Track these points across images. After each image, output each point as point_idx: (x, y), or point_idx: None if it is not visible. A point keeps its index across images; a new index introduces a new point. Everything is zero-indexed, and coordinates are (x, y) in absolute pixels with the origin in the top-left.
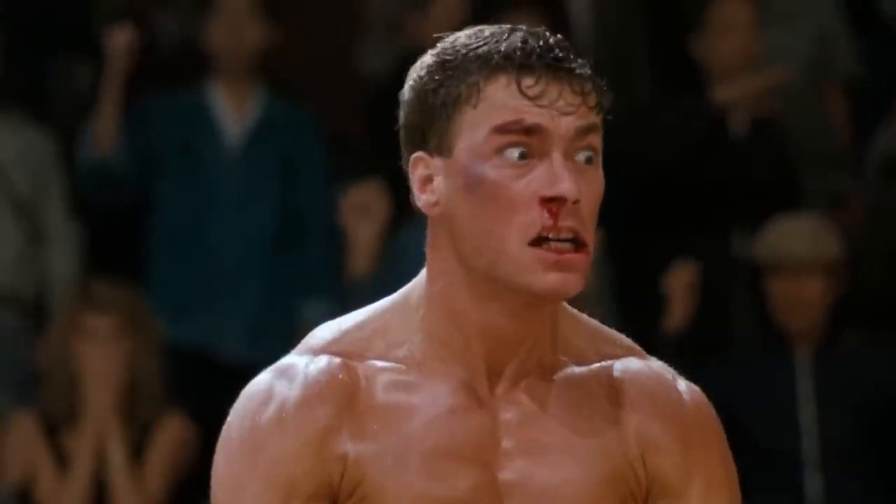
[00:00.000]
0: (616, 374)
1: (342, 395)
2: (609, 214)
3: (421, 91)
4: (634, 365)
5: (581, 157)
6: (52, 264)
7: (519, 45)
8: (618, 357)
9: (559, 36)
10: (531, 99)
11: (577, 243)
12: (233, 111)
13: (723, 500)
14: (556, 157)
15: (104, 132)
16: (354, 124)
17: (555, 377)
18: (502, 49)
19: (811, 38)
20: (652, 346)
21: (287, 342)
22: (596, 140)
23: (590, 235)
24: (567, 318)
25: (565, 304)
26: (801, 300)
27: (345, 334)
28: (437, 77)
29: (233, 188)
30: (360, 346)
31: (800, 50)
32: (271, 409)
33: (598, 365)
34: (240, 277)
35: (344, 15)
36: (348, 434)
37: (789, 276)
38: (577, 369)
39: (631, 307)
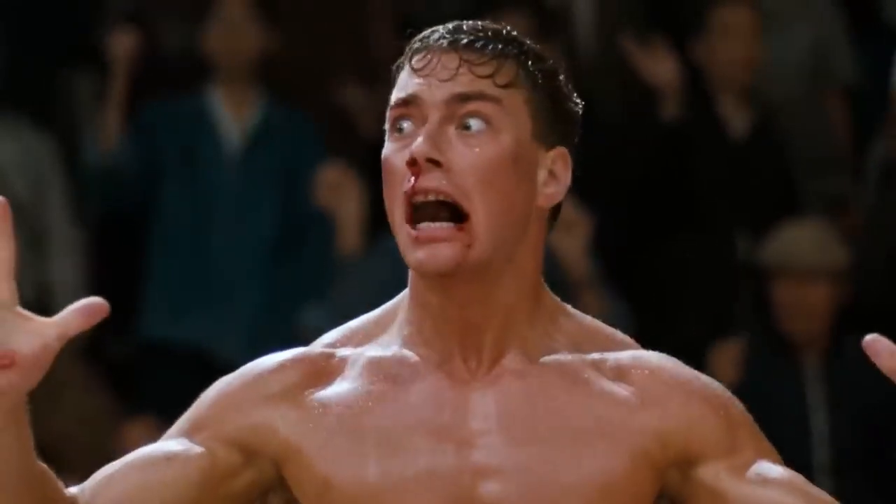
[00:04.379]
0: (621, 361)
1: (306, 373)
2: (613, 219)
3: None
4: (639, 352)
5: (464, 122)
6: (52, 269)
7: (431, 31)
8: (618, 349)
9: (498, 25)
10: (416, 72)
11: (454, 210)
12: (233, 116)
13: (772, 450)
14: (429, 122)
15: (108, 133)
16: (354, 131)
17: (545, 363)
18: (418, 38)
19: (810, 43)
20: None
21: (286, 346)
22: (487, 107)
23: (473, 203)
24: (565, 312)
25: (563, 302)
26: (806, 306)
27: (345, 330)
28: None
29: (233, 193)
30: (354, 339)
31: (798, 55)
32: (240, 371)
33: (597, 355)
34: (239, 281)
35: (344, 19)
36: (293, 408)
37: (794, 282)
38: (573, 357)
39: (635, 310)
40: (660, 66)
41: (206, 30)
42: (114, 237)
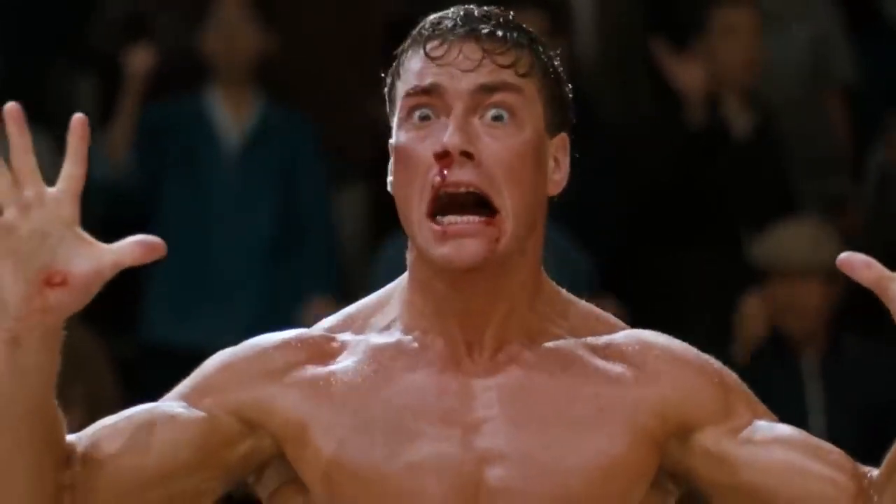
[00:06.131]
0: (614, 340)
1: (309, 353)
2: (619, 220)
3: (387, 84)
4: (631, 330)
5: (490, 114)
6: None
7: (440, 17)
8: (611, 330)
9: (504, 11)
10: (433, 60)
11: (483, 203)
12: (231, 117)
13: (768, 412)
14: (455, 113)
15: (116, 145)
16: (353, 131)
17: (545, 347)
18: (428, 24)
19: (809, 43)
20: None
21: None
22: (510, 98)
23: (502, 197)
24: (562, 297)
25: (559, 287)
26: (800, 305)
27: (343, 315)
28: (392, 66)
29: (232, 193)
30: (354, 324)
31: (798, 54)
32: (242, 345)
33: (592, 336)
34: (239, 281)
35: (343, 20)
36: (296, 385)
37: (788, 281)
38: (571, 340)
39: (641, 312)
40: (689, 73)
41: (205, 31)
42: (114, 237)
